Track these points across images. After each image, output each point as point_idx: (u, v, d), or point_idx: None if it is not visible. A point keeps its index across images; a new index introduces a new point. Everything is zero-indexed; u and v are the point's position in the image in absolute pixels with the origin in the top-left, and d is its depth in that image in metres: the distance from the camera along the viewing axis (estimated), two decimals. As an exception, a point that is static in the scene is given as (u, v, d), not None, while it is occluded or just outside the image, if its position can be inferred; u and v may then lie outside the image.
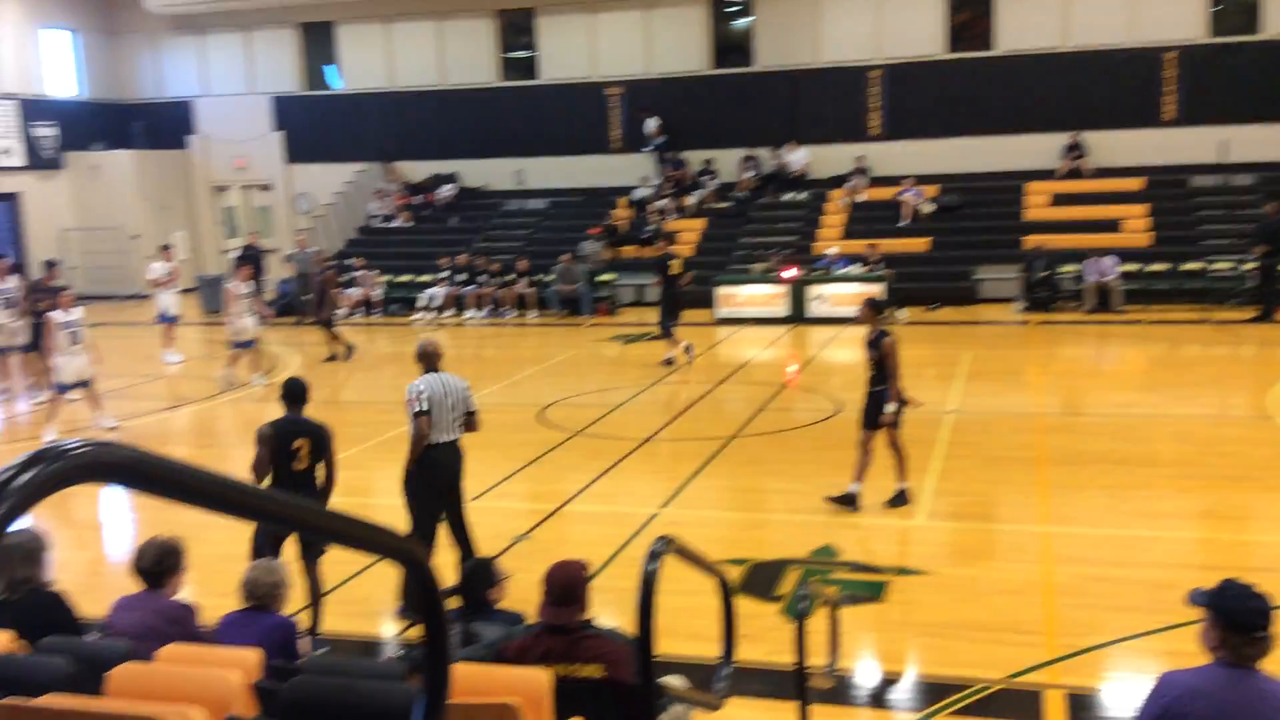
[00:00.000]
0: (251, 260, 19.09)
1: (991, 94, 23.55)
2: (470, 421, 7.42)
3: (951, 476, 10.05)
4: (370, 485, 10.84)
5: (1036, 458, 10.59)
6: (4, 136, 25.24)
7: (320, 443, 6.85)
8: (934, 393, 14.18)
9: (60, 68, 27.42)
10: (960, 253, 21.85)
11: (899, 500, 9.09)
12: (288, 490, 6.71)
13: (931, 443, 11.11)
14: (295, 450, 6.77)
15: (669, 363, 15.96)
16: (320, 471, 6.90)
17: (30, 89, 26.04)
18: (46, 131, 26.41)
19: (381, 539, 1.72)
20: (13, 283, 15.03)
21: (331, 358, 17.60)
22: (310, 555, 6.86)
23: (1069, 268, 20.34)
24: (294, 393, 6.99)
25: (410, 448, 7.23)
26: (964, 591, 7.35)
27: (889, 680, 6.25)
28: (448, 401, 7.24)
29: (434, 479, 7.29)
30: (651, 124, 25.19)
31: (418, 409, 7.12)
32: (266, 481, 6.82)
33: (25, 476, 1.09)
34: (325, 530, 1.72)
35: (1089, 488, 9.52)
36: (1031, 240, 21.29)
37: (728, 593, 4.77)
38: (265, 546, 6.50)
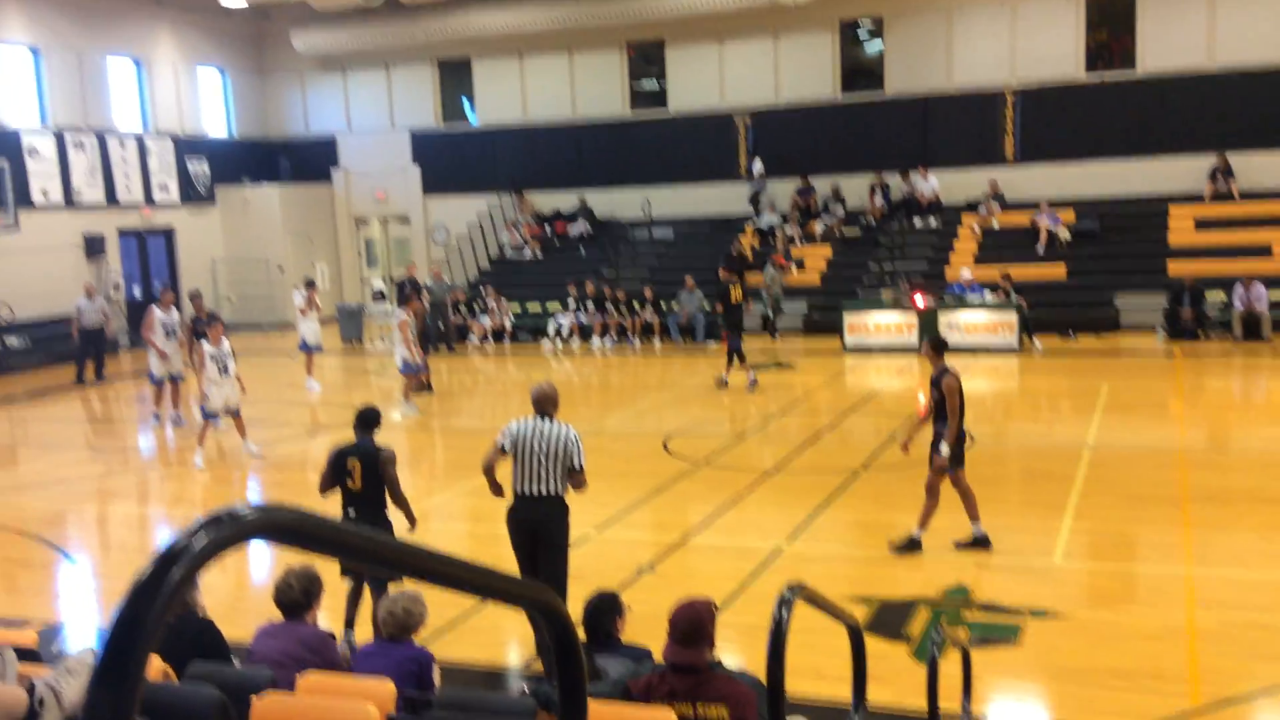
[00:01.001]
0: (415, 291, 19.62)
1: (1132, 115, 22.87)
2: (574, 479, 6.88)
3: (1088, 514, 9.76)
4: (491, 511, 11.06)
5: (1180, 495, 10.20)
6: (161, 173, 26.66)
7: (371, 464, 7.15)
8: (1071, 426, 13.82)
9: (212, 107, 28.86)
10: (1099, 279, 21.22)
11: (980, 542, 8.79)
12: (347, 508, 7.20)
13: (1068, 479, 10.81)
14: (350, 471, 7.13)
15: (753, 384, 16.50)
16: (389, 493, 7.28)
17: (185, 128, 27.47)
18: (199, 168, 27.81)
19: (520, 591, 1.81)
20: (175, 314, 15.88)
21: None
22: (378, 586, 7.00)
23: (1215, 295, 19.56)
24: (362, 418, 7.40)
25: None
26: (1102, 636, 7.13)
27: (1022, 725, 6.11)
28: (539, 450, 6.76)
29: (513, 531, 6.91)
30: (758, 166, 25.37)
31: (499, 442, 6.94)
32: (333, 499, 7.24)
33: (202, 540, 1.21)
34: (468, 583, 1.81)
35: (1236, 527, 9.13)
36: (1175, 266, 20.55)
37: (860, 640, 4.74)
38: (348, 575, 7.00)
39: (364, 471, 7.18)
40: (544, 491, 6.77)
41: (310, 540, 1.35)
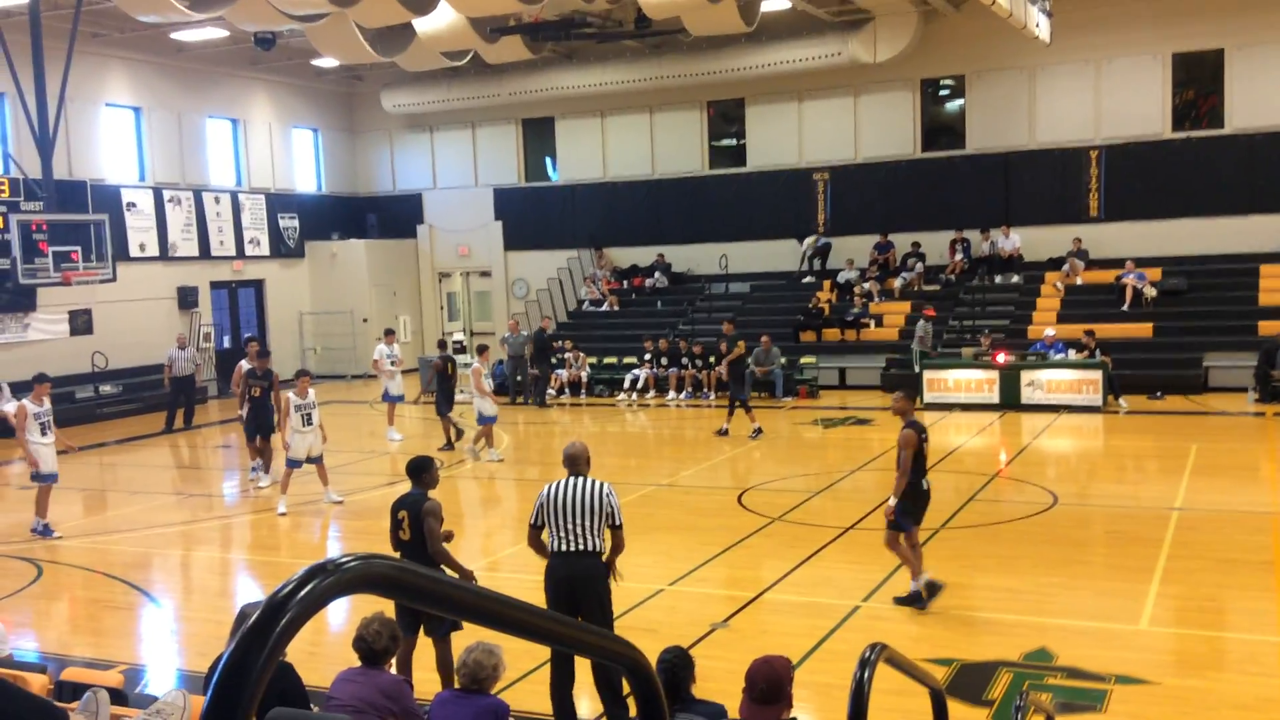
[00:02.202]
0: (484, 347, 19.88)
1: (1220, 173, 22.47)
2: (614, 536, 6.87)
3: (1177, 579, 9.50)
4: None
5: (1272, 560, 9.90)
6: (253, 228, 27.50)
7: (416, 515, 7.23)
8: (1158, 488, 13.49)
9: (304, 164, 29.75)
10: (1187, 339, 20.77)
11: (913, 599, 8.85)
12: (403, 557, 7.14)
13: (1155, 542, 10.55)
14: (400, 521, 7.31)
15: (757, 433, 17.50)
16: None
17: (277, 184, 28.35)
18: (290, 223, 28.63)
19: (607, 645, 1.85)
20: (275, 374, 16.18)
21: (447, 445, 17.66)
22: (436, 631, 7.14)
23: (1310, 355, 19.00)
24: (411, 468, 7.55)
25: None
26: (1192, 704, 6.92)
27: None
28: (574, 507, 6.75)
29: (550, 589, 6.84)
30: (809, 240, 25.58)
31: (531, 520, 7.03)
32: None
33: (304, 591, 1.28)
34: (557, 636, 1.86)
35: (1334, 597, 8.81)
36: (1266, 326, 20.03)
37: (942, 703, 4.68)
38: (402, 616, 6.90)
39: (411, 522, 7.28)
40: (581, 547, 6.75)
41: (408, 590, 1.41)
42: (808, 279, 25.59)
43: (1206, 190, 22.54)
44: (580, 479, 6.92)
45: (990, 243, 23.95)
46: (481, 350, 17.48)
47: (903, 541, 8.91)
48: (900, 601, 8.95)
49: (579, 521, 6.74)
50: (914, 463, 8.72)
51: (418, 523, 7.24)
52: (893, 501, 8.78)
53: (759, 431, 17.54)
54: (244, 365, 15.90)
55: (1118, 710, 6.89)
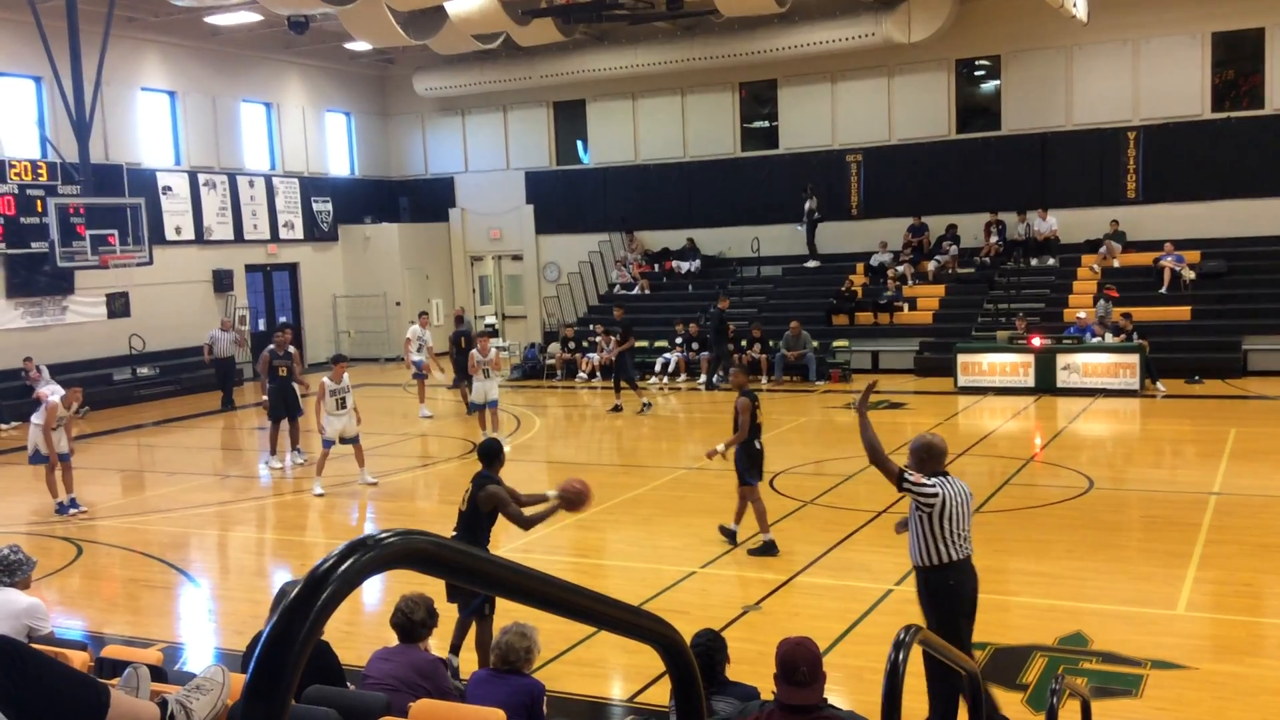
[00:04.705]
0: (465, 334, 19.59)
1: (1261, 154, 22.12)
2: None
3: (1214, 564, 9.40)
4: (603, 546, 11.16)
5: (1314, 547, 9.76)
6: (287, 211, 27.66)
7: (475, 489, 7.57)
8: (1196, 472, 13.35)
9: (337, 148, 29.88)
10: (1226, 322, 20.51)
11: (768, 548, 10.09)
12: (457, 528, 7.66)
13: (1193, 526, 10.44)
14: (466, 494, 7.66)
15: (646, 407, 19.05)
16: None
17: (311, 168, 28.48)
18: (324, 206, 28.77)
19: (644, 623, 1.85)
20: (294, 351, 16.35)
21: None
22: (465, 606, 7.34)
23: (1352, 339, 18.73)
24: (480, 453, 7.86)
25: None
26: (1228, 690, 6.86)
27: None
28: (966, 509, 6.28)
29: (960, 599, 6.51)
30: (810, 204, 25.25)
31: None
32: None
33: (345, 565, 1.28)
34: (592, 614, 1.86)
35: (1376, 583, 8.70)
36: (1308, 309, 19.75)
37: (978, 686, 4.66)
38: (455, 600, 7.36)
39: (470, 495, 7.58)
40: (971, 553, 6.52)
41: (446, 566, 1.42)
42: (811, 264, 25.46)
43: (1247, 171, 22.21)
44: (954, 479, 6.31)
45: (1026, 225, 23.72)
46: (481, 335, 17.64)
47: (750, 496, 10.19)
48: (754, 553, 10.10)
49: (966, 525, 6.28)
50: (750, 425, 10.08)
51: (473, 496, 7.56)
52: (721, 447, 10.31)
53: (648, 406, 19.19)
54: (268, 351, 16.06)
55: (1154, 695, 6.84)
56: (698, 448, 16.16)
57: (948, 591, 6.21)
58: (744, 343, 22.54)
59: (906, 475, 6.15)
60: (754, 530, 10.28)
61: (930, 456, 6.31)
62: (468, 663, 7.32)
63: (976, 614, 6.34)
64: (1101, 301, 20.83)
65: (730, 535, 10.45)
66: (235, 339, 21.95)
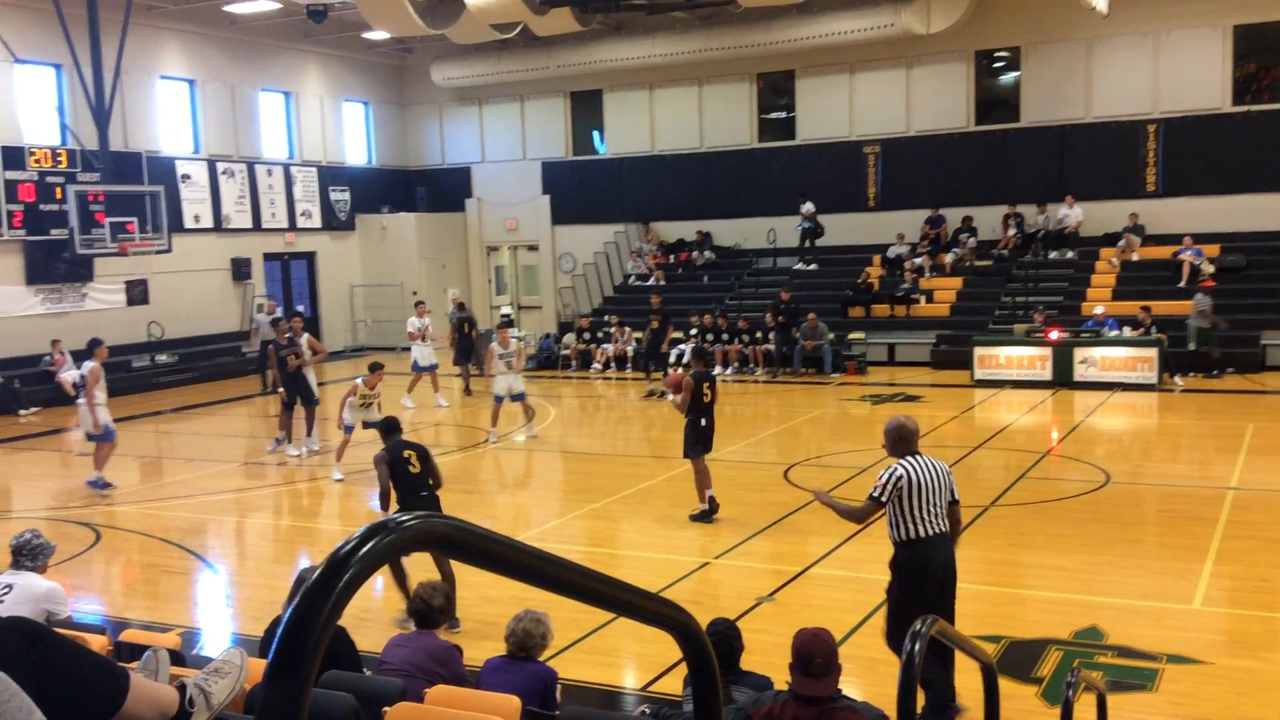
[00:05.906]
0: (468, 321, 20.57)
1: (1282, 147, 21.95)
2: (954, 513, 6.62)
3: (1231, 558, 9.36)
4: (616, 535, 11.18)
5: (1332, 543, 9.70)
6: (304, 200, 27.75)
7: (420, 453, 8.72)
8: (1214, 467, 13.30)
9: (355, 138, 29.95)
10: (1245, 316, 20.38)
11: (703, 516, 10.94)
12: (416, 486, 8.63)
13: (1209, 521, 10.40)
14: (408, 459, 8.62)
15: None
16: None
17: (328, 157, 28.55)
18: (341, 196, 28.84)
19: (661, 610, 1.86)
20: (303, 340, 16.36)
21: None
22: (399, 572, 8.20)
23: (1373, 334, 18.58)
24: (384, 427, 9.21)
25: None
26: (1244, 685, 6.84)
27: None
28: (933, 486, 6.35)
29: (926, 577, 6.42)
30: (807, 207, 25.15)
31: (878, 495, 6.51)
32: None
33: (366, 547, 1.29)
34: (610, 599, 1.87)
35: (1394, 580, 8.64)
36: (1329, 304, 19.59)
37: (993, 678, 4.65)
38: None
39: (420, 458, 8.69)
40: (943, 530, 6.48)
41: (466, 550, 1.43)
42: (799, 266, 25.39)
43: (1267, 165, 22.04)
44: (926, 458, 6.45)
45: (1045, 216, 23.60)
46: (500, 326, 17.98)
47: (695, 467, 11.03)
48: (694, 518, 10.91)
49: (938, 502, 6.33)
50: (696, 403, 10.88)
51: (425, 459, 8.67)
52: (672, 396, 11.55)
53: (665, 395, 19.35)
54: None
55: (1169, 690, 6.82)
56: (714, 440, 16.14)
57: (914, 565, 6.36)
58: (759, 334, 22.51)
59: (872, 494, 6.41)
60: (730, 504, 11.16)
61: (902, 438, 6.51)
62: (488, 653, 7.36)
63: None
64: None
65: (704, 515, 11.01)
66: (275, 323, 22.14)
